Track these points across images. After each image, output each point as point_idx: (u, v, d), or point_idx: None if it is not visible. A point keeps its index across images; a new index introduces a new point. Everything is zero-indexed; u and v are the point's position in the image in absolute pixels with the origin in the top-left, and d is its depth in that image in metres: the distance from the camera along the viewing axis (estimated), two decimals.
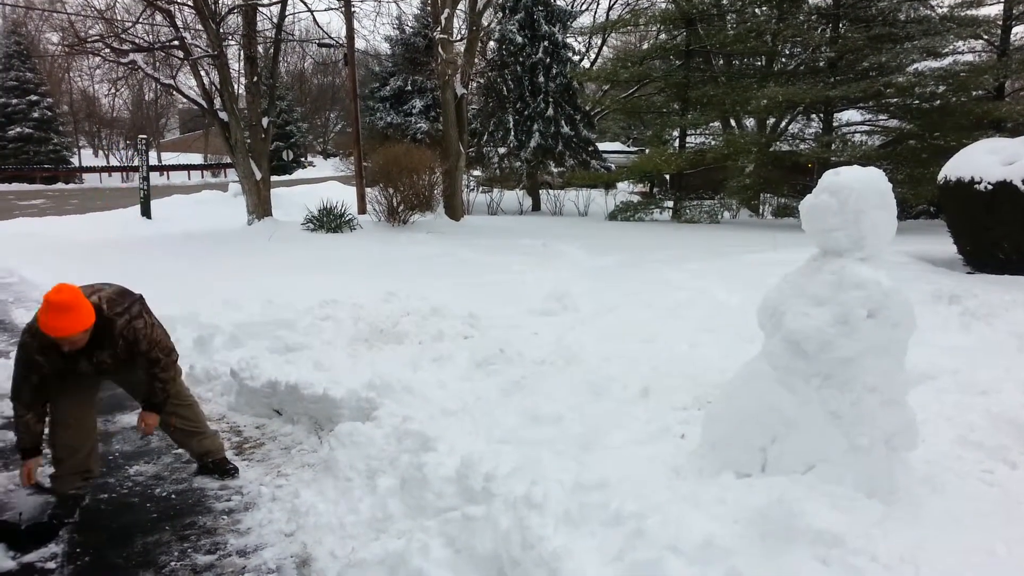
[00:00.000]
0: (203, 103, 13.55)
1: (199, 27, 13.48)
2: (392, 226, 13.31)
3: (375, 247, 10.61)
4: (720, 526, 2.62)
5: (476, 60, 19.24)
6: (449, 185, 15.80)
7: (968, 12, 16.24)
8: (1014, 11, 16.33)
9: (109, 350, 3.27)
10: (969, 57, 17.40)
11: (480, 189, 22.51)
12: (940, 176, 8.12)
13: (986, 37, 17.08)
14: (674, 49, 18.77)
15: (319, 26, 24.74)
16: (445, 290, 7.22)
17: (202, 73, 13.52)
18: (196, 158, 42.97)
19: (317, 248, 10.62)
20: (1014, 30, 16.98)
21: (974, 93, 16.23)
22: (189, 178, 38.36)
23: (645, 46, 25.03)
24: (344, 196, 15.55)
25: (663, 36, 20.52)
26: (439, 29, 15.01)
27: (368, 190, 15.03)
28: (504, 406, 4.00)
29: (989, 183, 7.36)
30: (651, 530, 2.50)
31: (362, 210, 15.45)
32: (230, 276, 7.79)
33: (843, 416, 2.89)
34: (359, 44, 27.80)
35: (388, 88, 27.35)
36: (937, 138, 15.27)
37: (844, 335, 2.84)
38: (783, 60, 19.22)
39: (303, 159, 46.67)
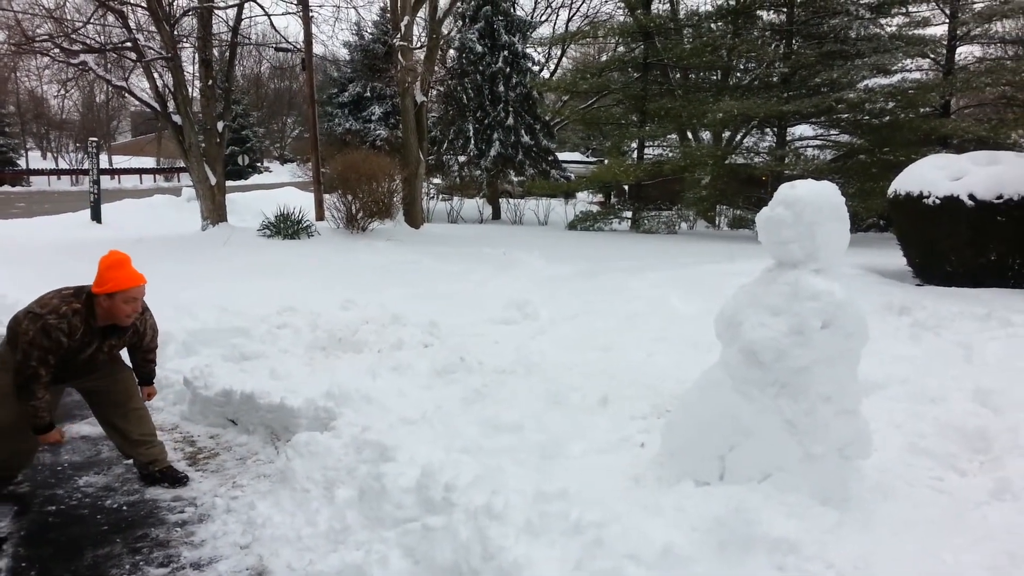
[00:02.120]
0: (156, 106, 13.24)
1: (152, 28, 13.19)
2: (351, 233, 13.19)
3: (333, 255, 10.49)
4: (679, 534, 2.65)
5: (436, 68, 19.24)
6: (409, 193, 15.73)
7: (916, 31, 16.81)
8: (958, 31, 16.93)
9: (120, 336, 3.54)
10: (917, 75, 17.97)
11: (440, 197, 22.48)
12: (890, 190, 8.34)
13: (932, 56, 17.68)
14: (632, 62, 19.01)
15: (276, 30, 24.34)
16: (405, 298, 7.18)
17: (155, 75, 13.22)
18: (148, 162, 42.09)
19: (274, 255, 10.45)
20: (958, 50, 17.60)
21: (921, 110, 16.76)
22: (141, 182, 37.53)
23: (604, 58, 25.28)
24: (301, 202, 15.37)
25: (621, 49, 20.75)
26: (398, 36, 14.95)
27: (326, 196, 14.87)
28: (465, 415, 3.99)
29: (937, 198, 7.58)
30: (611, 539, 2.51)
31: (320, 217, 15.27)
32: (184, 282, 7.61)
33: (798, 425, 2.94)
34: (317, 49, 27.55)
35: (347, 94, 27.17)
36: (886, 153, 15.71)
37: (799, 345, 2.90)
38: (738, 75, 19.62)
39: (259, 164, 46.04)
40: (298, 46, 18.00)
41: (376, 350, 5.36)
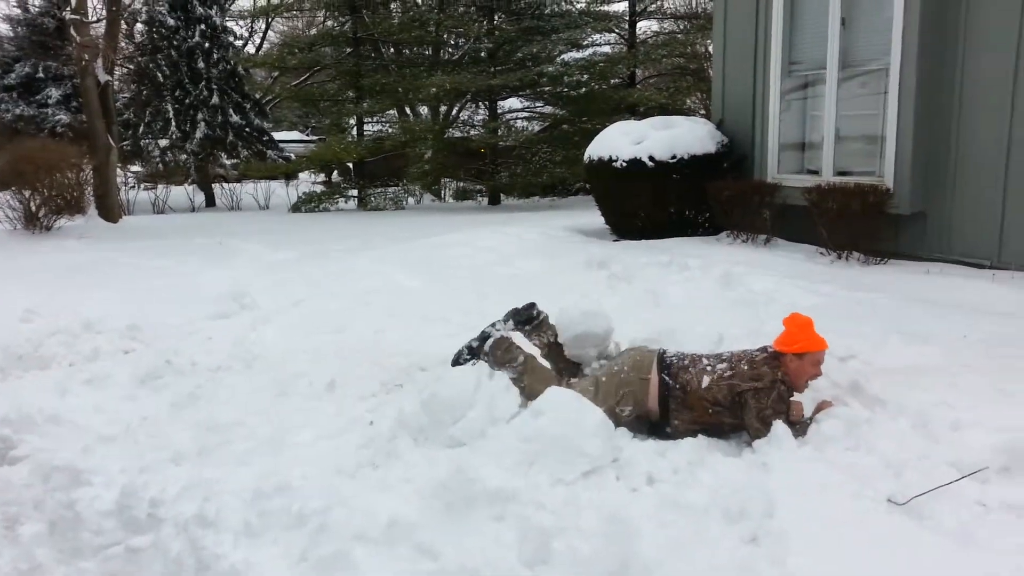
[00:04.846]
0: None
1: None
2: (33, 234, 11.46)
3: (8, 260, 9.05)
4: (406, 504, 2.69)
5: (122, 44, 17.28)
6: (100, 183, 14.03)
7: (601, 8, 18.45)
8: (637, 8, 18.87)
9: None
10: (607, 49, 19.75)
11: (142, 186, 20.38)
12: (585, 156, 9.09)
13: (617, 31, 19.55)
14: (342, 36, 18.64)
15: None
16: (101, 302, 6.40)
17: None
18: None
19: None
20: (639, 25, 19.64)
21: (612, 81, 18.50)
22: None
23: (313, 32, 24.49)
24: None
25: (330, 22, 20.25)
26: (69, 9, 13.18)
27: None
28: (176, 422, 3.68)
29: (624, 161, 8.41)
30: (336, 524, 2.47)
31: None
32: None
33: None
34: None
35: (14, 75, 23.37)
36: (585, 122, 17.14)
37: None
38: (449, 50, 20.13)
39: None
40: None
41: (67, 363, 4.73)
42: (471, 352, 3.94)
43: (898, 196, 6.66)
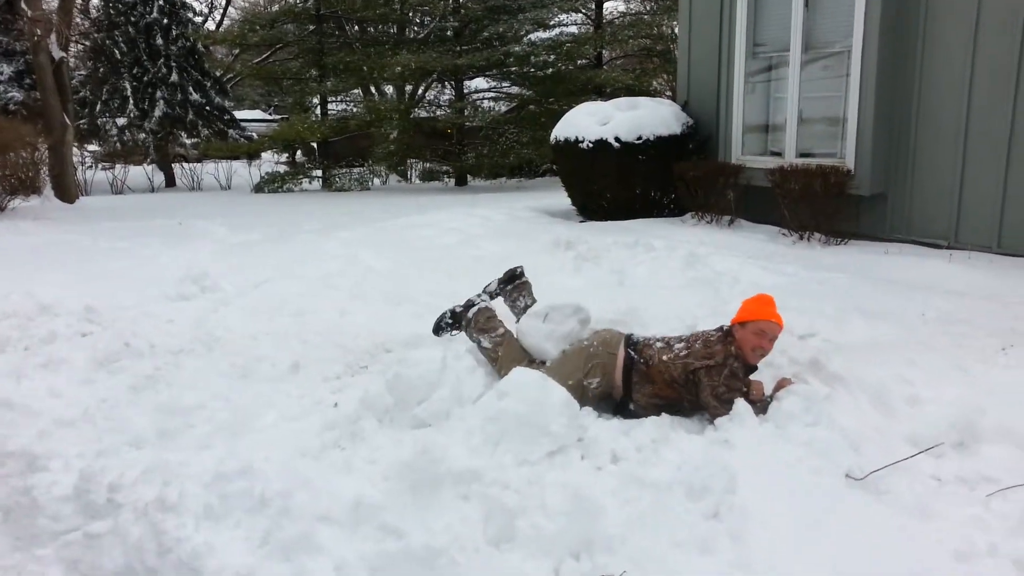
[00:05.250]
0: None
1: None
2: None
3: None
4: (371, 486, 2.67)
5: (77, 20, 16.77)
6: (56, 163, 13.65)
7: None
8: None
9: None
10: (573, 29, 19.69)
11: (100, 166, 19.89)
12: (552, 137, 9.07)
13: (584, 11, 19.46)
14: (304, 13, 18.29)
15: None
16: (57, 284, 6.23)
17: None
18: None
19: None
20: (605, 5, 19.60)
21: (579, 62, 18.44)
22: None
23: (275, 8, 23.98)
24: None
25: None
26: None
27: None
28: (135, 405, 3.60)
29: (590, 142, 8.41)
30: (298, 506, 2.44)
31: None
32: None
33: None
34: None
35: None
36: (552, 103, 17.09)
37: None
38: (415, 28, 19.88)
39: None
40: None
41: (22, 347, 4.58)
42: (453, 316, 4.06)
43: (859, 177, 6.76)
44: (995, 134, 6.04)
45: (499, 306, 4.12)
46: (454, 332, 4.06)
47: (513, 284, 4.20)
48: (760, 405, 3.22)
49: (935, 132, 6.46)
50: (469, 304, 4.04)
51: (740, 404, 3.13)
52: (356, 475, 2.80)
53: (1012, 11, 5.88)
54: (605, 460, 2.91)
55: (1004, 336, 4.07)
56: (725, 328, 3.43)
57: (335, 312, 5.31)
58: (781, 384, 3.33)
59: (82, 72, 20.36)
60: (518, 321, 3.92)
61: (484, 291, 4.20)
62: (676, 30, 14.03)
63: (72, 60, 18.46)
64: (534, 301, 4.09)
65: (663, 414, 3.26)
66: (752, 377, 3.40)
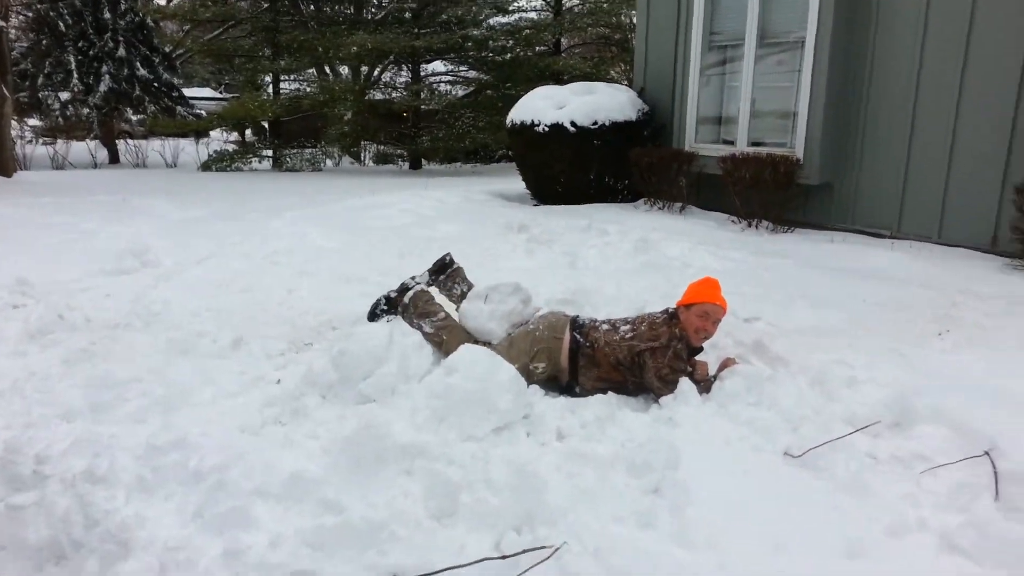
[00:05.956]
0: None
1: None
2: None
3: None
4: (310, 461, 2.62)
5: None
6: None
7: None
8: None
9: None
10: (533, 15, 19.61)
11: (40, 141, 19.16)
12: (508, 119, 9.03)
13: None
14: None
15: None
16: None
17: None
18: None
19: None
20: None
21: (537, 49, 18.39)
22: None
23: None
24: None
25: None
26: None
27: None
28: (68, 378, 3.46)
29: (546, 125, 8.39)
30: (234, 480, 2.38)
31: None
32: None
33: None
34: None
35: None
36: (509, 88, 17.01)
37: None
38: (372, 9, 19.55)
39: None
40: None
41: None
42: (388, 302, 3.91)
43: (808, 167, 6.87)
44: (940, 129, 6.20)
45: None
46: (390, 318, 3.88)
47: (446, 273, 4.05)
48: (704, 385, 3.24)
49: (883, 125, 6.60)
50: (404, 288, 3.90)
51: (685, 383, 3.15)
52: (296, 450, 2.75)
53: (959, 11, 6.01)
54: (550, 437, 2.90)
55: (941, 322, 4.19)
56: (670, 310, 3.44)
57: (282, 290, 5.21)
58: (726, 364, 3.36)
59: (23, 43, 19.54)
60: (458, 308, 3.80)
61: (413, 278, 4.03)
62: (635, 19, 14.06)
63: (13, 31, 17.73)
64: (471, 287, 3.95)
65: (609, 393, 3.27)
66: (698, 358, 3.43)
